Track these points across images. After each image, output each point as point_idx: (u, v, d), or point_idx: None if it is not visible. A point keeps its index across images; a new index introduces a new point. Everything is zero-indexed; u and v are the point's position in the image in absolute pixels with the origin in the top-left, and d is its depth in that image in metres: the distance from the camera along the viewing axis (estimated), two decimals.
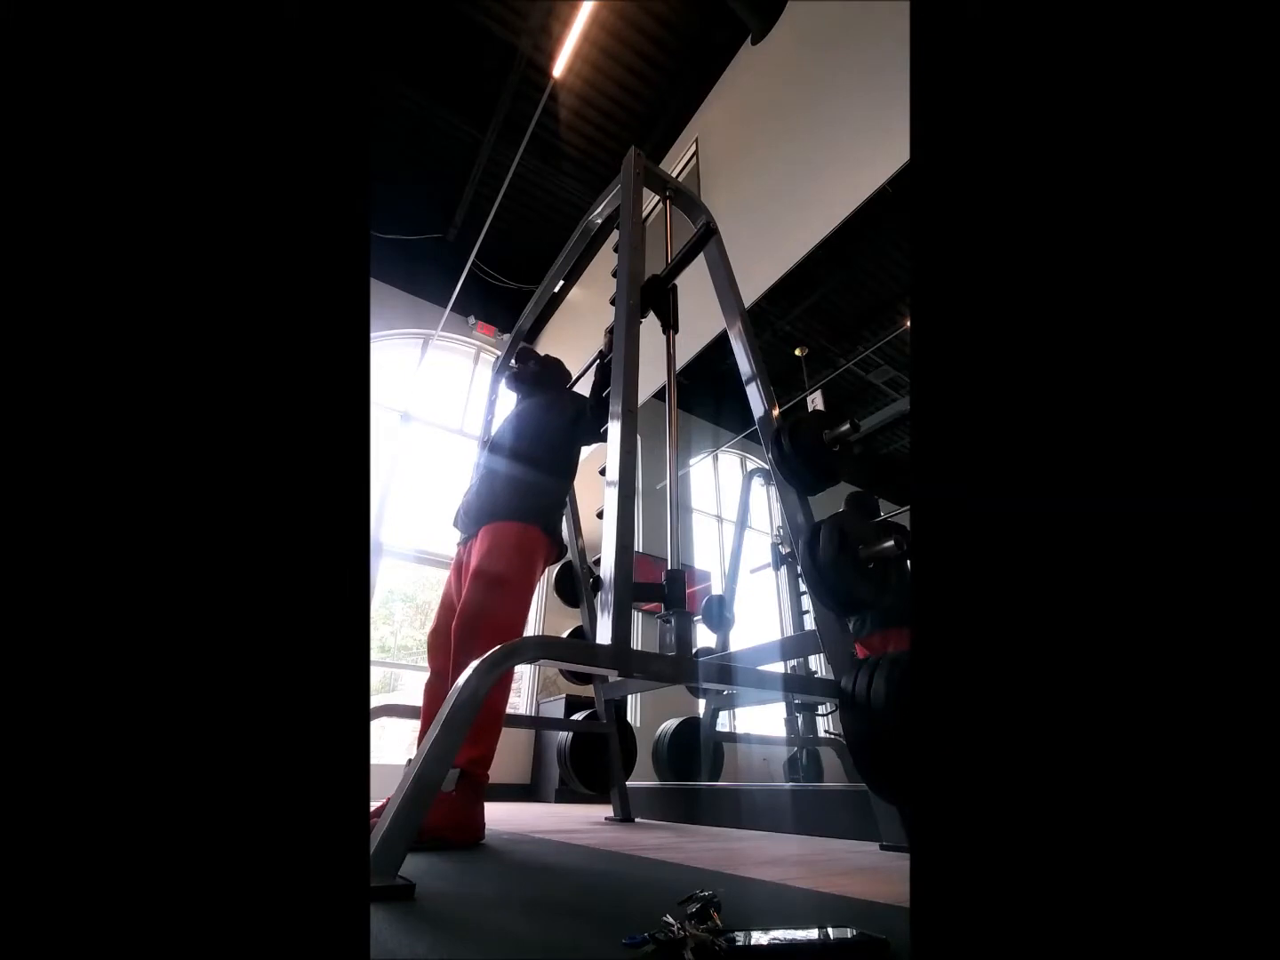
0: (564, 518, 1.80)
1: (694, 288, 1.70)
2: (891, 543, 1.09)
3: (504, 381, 2.03)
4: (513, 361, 2.00)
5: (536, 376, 1.89)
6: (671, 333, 1.43)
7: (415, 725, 1.66)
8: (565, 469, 1.69)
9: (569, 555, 2.20)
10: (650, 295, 1.41)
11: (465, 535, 1.61)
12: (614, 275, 1.42)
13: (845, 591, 1.10)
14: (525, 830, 1.50)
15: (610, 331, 1.40)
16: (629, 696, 3.20)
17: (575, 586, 2.20)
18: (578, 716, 2.09)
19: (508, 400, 2.25)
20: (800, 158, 2.67)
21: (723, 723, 3.05)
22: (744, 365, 1.47)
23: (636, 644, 0.95)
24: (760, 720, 3.39)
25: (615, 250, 1.48)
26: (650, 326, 1.42)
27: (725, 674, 1.08)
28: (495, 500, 1.57)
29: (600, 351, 1.66)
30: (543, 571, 1.57)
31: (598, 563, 1.08)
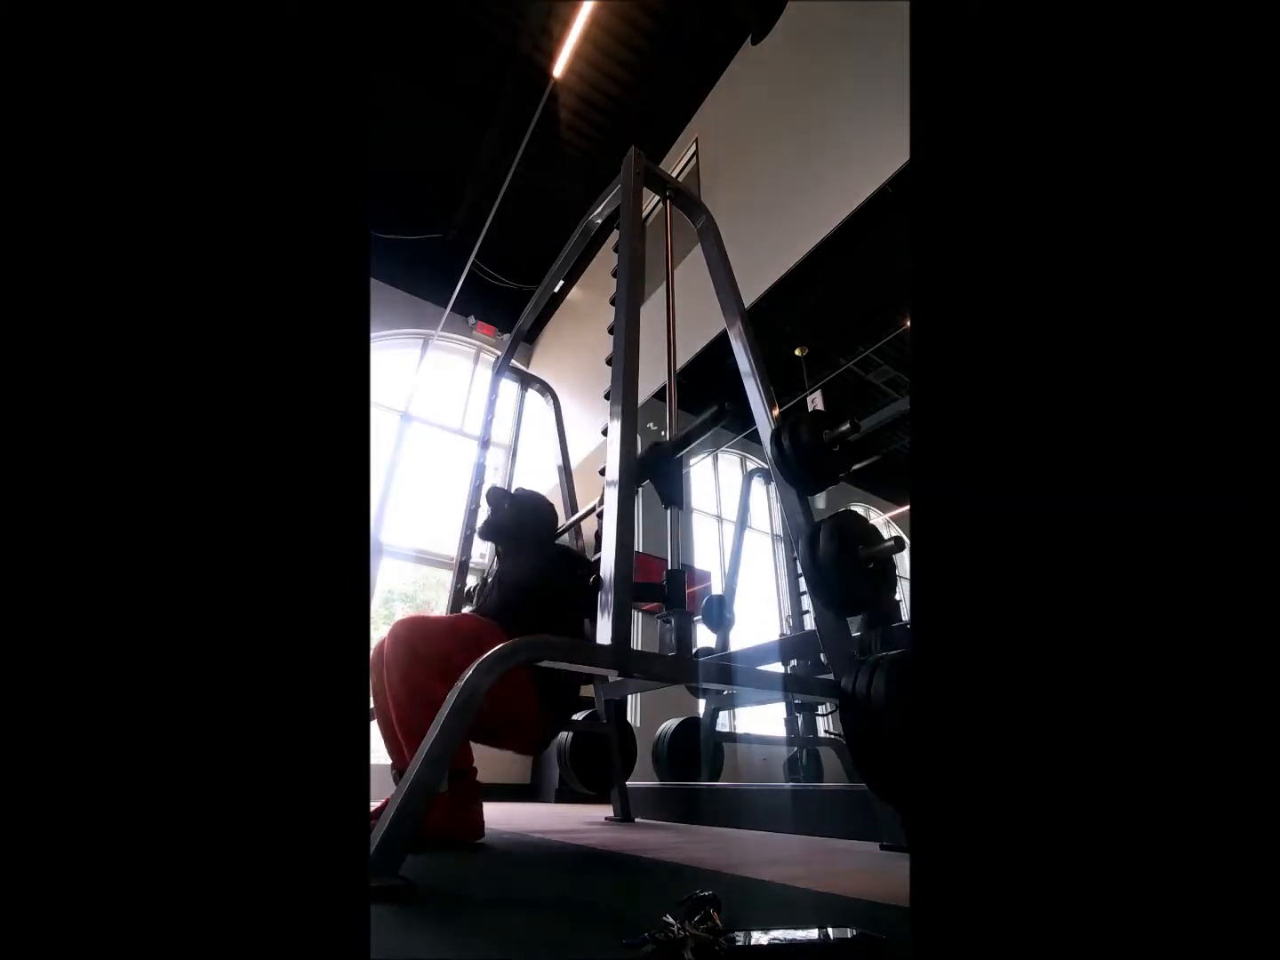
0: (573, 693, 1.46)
1: (694, 288, 1.70)
2: (892, 542, 1.09)
3: (479, 534, 1.75)
4: (485, 503, 1.74)
5: (512, 532, 1.64)
6: (676, 510, 1.22)
7: None
8: (570, 629, 1.42)
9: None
10: (651, 467, 1.19)
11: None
12: (614, 275, 1.42)
13: (845, 591, 1.10)
14: (525, 830, 1.50)
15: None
16: (629, 696, 3.20)
17: None
18: (578, 716, 2.09)
19: (506, 401, 2.22)
20: (800, 158, 2.67)
21: (723, 723, 3.05)
22: (744, 365, 1.47)
23: (636, 644, 0.95)
24: (760, 720, 3.39)
25: (615, 250, 1.48)
26: (650, 325, 1.42)
27: (725, 674, 1.08)
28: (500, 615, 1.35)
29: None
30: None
31: (598, 563, 1.08)
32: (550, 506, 1.74)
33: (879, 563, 1.11)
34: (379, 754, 1.34)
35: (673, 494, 1.22)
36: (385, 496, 4.03)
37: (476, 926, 0.52)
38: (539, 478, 2.84)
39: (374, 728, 1.33)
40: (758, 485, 4.08)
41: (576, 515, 1.86)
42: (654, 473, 1.21)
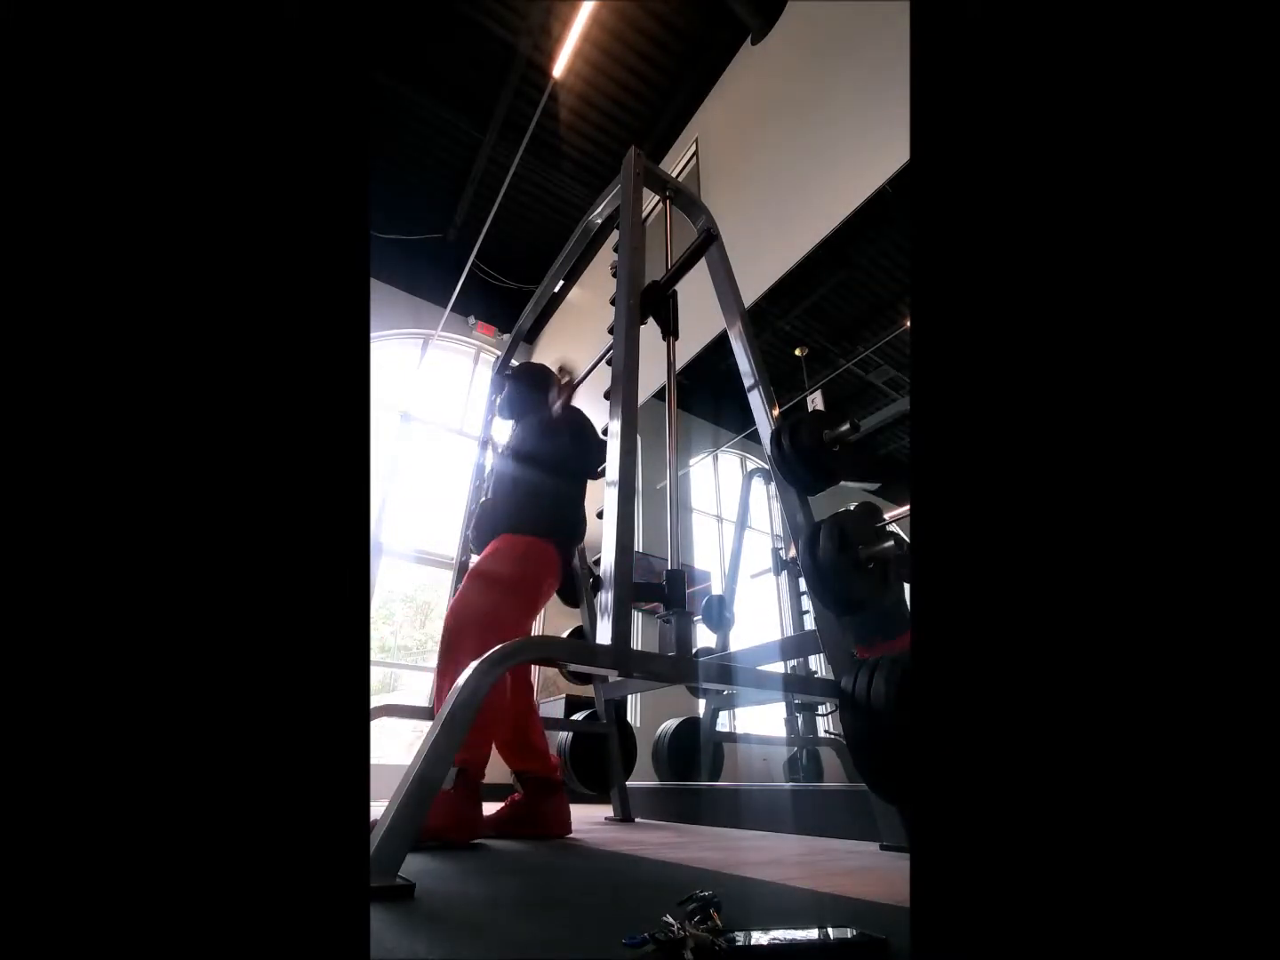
0: (582, 535, 1.71)
1: (694, 288, 1.70)
2: (891, 543, 1.09)
3: (498, 413, 1.95)
4: (500, 390, 1.94)
5: (522, 399, 1.80)
6: (671, 339, 1.43)
7: (415, 725, 1.64)
8: (576, 485, 1.65)
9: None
10: (650, 301, 1.41)
11: (477, 549, 1.61)
12: (614, 275, 1.42)
13: (845, 591, 1.10)
14: None
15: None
16: (629, 696, 3.20)
17: (575, 586, 2.19)
18: (578, 716, 2.09)
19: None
20: (800, 158, 2.67)
21: (723, 723, 3.05)
22: (744, 366, 1.47)
23: (636, 644, 0.95)
24: (760, 720, 3.39)
25: (615, 250, 1.48)
26: (650, 325, 1.42)
27: (725, 674, 1.08)
28: (507, 514, 1.56)
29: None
30: (551, 589, 1.53)
31: (598, 563, 1.08)
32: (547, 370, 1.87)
33: (879, 563, 1.11)
34: (379, 754, 1.34)
35: (670, 325, 1.41)
36: (385, 496, 4.03)
37: (477, 926, 0.52)
38: None
39: (373, 726, 1.34)
40: (758, 485, 4.07)
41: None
42: (653, 307, 1.40)
